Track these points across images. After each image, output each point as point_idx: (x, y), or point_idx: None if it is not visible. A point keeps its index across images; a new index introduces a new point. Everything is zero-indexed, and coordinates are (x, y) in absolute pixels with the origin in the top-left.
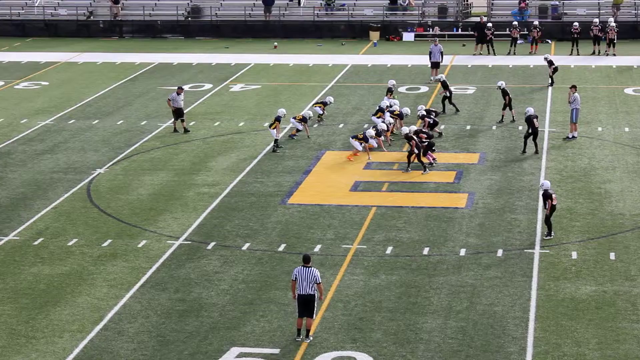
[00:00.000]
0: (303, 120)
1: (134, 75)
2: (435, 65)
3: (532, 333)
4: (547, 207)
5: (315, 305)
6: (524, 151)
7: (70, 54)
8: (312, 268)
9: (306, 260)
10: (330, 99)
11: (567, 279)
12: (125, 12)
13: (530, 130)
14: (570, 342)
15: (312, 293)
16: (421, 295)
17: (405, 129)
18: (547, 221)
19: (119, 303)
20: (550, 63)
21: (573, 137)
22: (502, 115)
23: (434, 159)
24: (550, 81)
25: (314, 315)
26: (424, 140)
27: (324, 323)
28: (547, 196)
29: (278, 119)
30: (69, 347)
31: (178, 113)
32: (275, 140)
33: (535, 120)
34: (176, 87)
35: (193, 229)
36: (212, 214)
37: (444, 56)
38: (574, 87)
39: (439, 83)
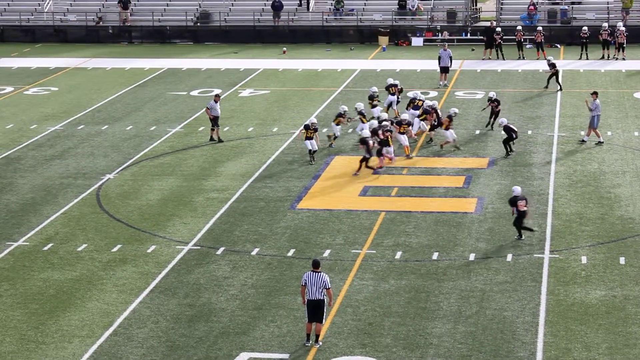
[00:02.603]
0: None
1: (143, 81)
2: (445, 70)
3: (541, 338)
4: (513, 213)
5: (325, 310)
6: (507, 154)
7: (80, 59)
8: (322, 273)
9: (315, 265)
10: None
11: (577, 284)
12: (134, 17)
13: (512, 136)
14: (580, 347)
15: (322, 298)
16: (430, 300)
17: (367, 133)
18: (515, 224)
19: (128, 308)
20: (552, 66)
21: (600, 142)
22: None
23: (390, 159)
24: (547, 84)
25: (323, 321)
26: (382, 137)
27: (334, 328)
28: (512, 202)
29: (341, 115)
30: (78, 352)
31: (216, 121)
32: (335, 137)
33: (511, 126)
34: (214, 96)
35: (202, 234)
36: (222, 219)
37: (452, 61)
38: (595, 93)
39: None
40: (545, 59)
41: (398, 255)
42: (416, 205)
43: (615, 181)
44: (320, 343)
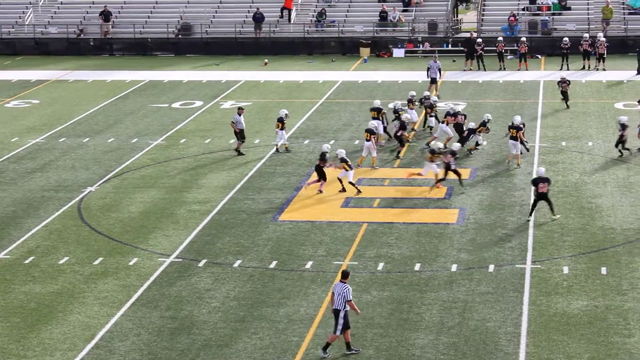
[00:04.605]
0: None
1: (125, 93)
2: (434, 81)
3: (524, 348)
4: (534, 193)
5: (340, 321)
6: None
7: (61, 72)
8: (346, 284)
9: (343, 276)
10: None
11: (559, 294)
12: (115, 29)
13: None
14: (562, 357)
15: (339, 308)
16: (413, 311)
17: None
18: (534, 204)
19: (110, 321)
20: (567, 83)
21: None
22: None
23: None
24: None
25: (337, 332)
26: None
27: (316, 340)
28: (534, 183)
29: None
30: None
31: (241, 134)
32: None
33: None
34: (237, 109)
35: (184, 247)
36: (203, 231)
37: (441, 72)
38: None
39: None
40: (562, 78)
41: (380, 266)
42: (398, 217)
43: (596, 191)
44: (358, 349)
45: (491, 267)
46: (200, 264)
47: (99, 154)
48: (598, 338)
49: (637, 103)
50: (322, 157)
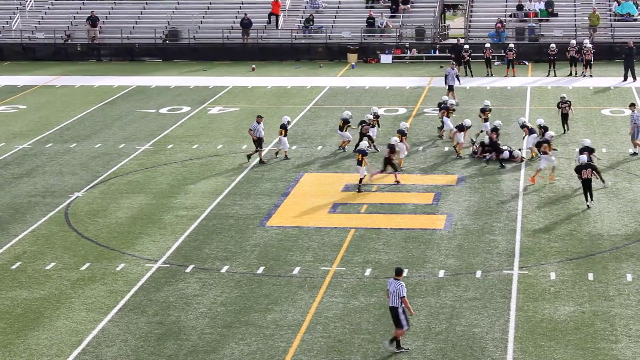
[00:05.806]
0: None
1: (112, 99)
2: (451, 89)
3: (511, 354)
4: (579, 178)
5: (400, 317)
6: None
7: (48, 77)
8: (400, 281)
9: (397, 273)
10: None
11: (546, 300)
12: (102, 35)
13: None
14: None
15: (395, 305)
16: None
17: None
18: (584, 191)
19: (97, 327)
20: (567, 104)
21: (635, 153)
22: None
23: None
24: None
25: (405, 327)
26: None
27: (303, 345)
28: (577, 170)
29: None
30: None
31: (260, 142)
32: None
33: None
34: (256, 117)
35: (171, 252)
36: (191, 236)
37: (459, 79)
38: (632, 105)
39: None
40: (562, 98)
41: (368, 272)
42: (386, 222)
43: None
44: (405, 349)
45: (478, 273)
46: (188, 270)
47: (86, 160)
48: (585, 344)
49: (629, 108)
50: (392, 149)
